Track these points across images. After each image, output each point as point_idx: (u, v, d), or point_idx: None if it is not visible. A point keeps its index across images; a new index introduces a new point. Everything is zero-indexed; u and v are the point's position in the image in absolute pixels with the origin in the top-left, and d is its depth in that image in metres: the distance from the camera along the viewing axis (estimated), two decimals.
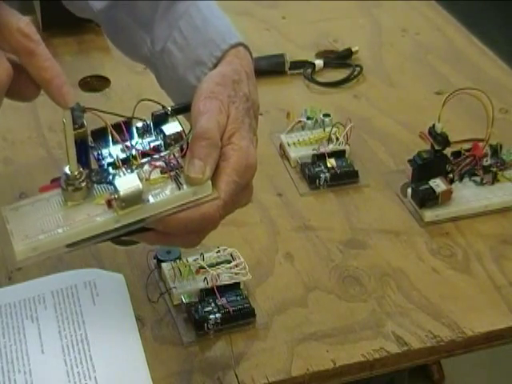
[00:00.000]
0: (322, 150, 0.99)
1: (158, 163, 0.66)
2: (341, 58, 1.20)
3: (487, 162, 0.95)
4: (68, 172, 0.65)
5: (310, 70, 1.18)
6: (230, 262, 0.84)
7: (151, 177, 0.65)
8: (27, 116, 1.06)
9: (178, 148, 0.67)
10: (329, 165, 0.98)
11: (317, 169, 0.98)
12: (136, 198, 0.64)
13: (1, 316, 0.79)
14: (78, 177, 0.65)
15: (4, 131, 1.06)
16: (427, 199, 0.93)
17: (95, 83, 1.16)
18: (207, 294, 0.81)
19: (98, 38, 1.22)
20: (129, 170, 0.66)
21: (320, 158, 0.99)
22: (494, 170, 0.95)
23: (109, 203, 0.64)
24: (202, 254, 0.84)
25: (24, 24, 0.62)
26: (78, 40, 1.24)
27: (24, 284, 0.82)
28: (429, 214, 0.93)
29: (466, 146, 0.97)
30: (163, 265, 0.84)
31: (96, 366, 0.74)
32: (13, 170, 1.00)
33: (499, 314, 0.82)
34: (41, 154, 1.02)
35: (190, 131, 0.68)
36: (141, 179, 0.65)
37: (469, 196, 0.95)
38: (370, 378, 0.79)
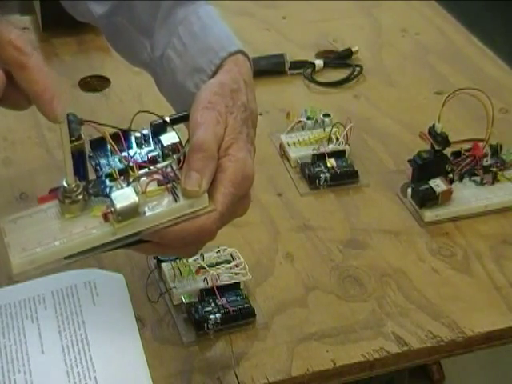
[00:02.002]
0: (322, 150, 0.99)
1: (155, 175, 0.66)
2: (341, 58, 1.20)
3: (487, 162, 0.95)
4: (65, 185, 0.65)
5: (310, 70, 1.18)
6: (230, 262, 0.84)
7: (148, 189, 0.65)
8: (27, 116, 1.06)
9: (176, 160, 0.67)
10: (329, 165, 0.98)
11: (317, 169, 0.98)
12: (132, 212, 0.64)
13: (1, 316, 0.79)
14: (75, 189, 0.65)
15: (4, 131, 1.06)
16: (427, 199, 0.93)
17: (95, 83, 1.16)
18: (207, 294, 0.81)
19: (98, 37, 1.22)
20: (126, 183, 0.66)
21: (320, 158, 0.99)
22: (494, 170, 0.95)
23: (105, 216, 0.64)
24: (202, 254, 0.84)
25: (15, 36, 0.62)
26: (78, 40, 1.24)
27: (24, 284, 0.82)
28: (429, 214, 0.93)
29: (466, 146, 0.97)
30: (163, 265, 0.84)
31: (96, 366, 0.74)
32: (13, 171, 1.00)
33: (499, 314, 0.83)
34: (41, 154, 1.02)
35: (186, 142, 0.68)
36: (137, 192, 0.65)
37: (469, 196, 0.95)
38: (370, 378, 0.79)
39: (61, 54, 1.20)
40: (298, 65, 1.18)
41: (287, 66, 1.17)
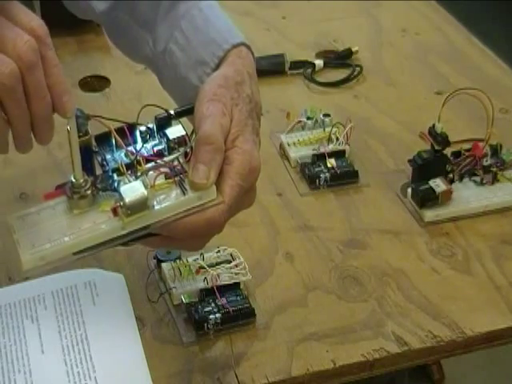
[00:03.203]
0: (322, 150, 0.99)
1: (162, 169, 0.66)
2: (341, 58, 1.20)
3: (487, 162, 0.95)
4: (73, 180, 0.65)
5: (310, 70, 1.18)
6: (229, 262, 0.84)
7: (156, 182, 0.65)
8: None
9: (182, 153, 0.67)
10: (329, 165, 0.98)
11: (317, 169, 0.98)
12: (141, 205, 0.64)
13: (1, 316, 0.79)
14: (83, 185, 0.65)
15: None
16: (427, 199, 0.93)
17: (95, 83, 1.16)
18: (207, 293, 0.81)
19: (98, 37, 1.23)
20: (133, 177, 0.66)
21: (320, 158, 0.99)
22: (494, 170, 0.95)
23: (114, 211, 0.64)
24: (202, 253, 0.84)
25: (37, 25, 0.62)
26: (78, 40, 1.24)
27: (24, 284, 0.82)
28: (429, 214, 0.93)
29: (466, 145, 0.97)
30: (163, 265, 0.84)
31: (96, 366, 0.74)
32: (13, 171, 1.00)
33: (499, 314, 0.83)
34: (41, 155, 1.02)
35: (192, 133, 0.68)
36: (145, 186, 0.65)
37: (469, 196, 0.95)
38: (370, 378, 0.79)
39: (61, 54, 1.19)
40: (298, 65, 1.18)
41: (287, 66, 1.17)
